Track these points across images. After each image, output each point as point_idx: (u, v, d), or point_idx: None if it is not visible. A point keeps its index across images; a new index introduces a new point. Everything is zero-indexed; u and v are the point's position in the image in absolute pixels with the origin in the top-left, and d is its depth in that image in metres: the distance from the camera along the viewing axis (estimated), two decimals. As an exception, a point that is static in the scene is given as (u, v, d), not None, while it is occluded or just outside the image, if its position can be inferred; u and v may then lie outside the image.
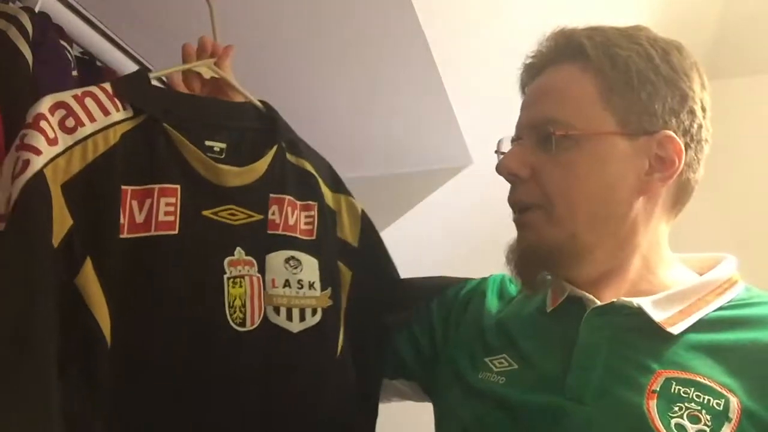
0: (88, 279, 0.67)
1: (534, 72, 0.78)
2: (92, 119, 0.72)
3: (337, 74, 1.36)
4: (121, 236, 0.71)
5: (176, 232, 0.74)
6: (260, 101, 0.88)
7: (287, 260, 0.82)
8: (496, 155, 0.80)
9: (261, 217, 0.81)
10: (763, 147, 2.18)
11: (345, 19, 1.17)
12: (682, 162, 0.72)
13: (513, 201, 0.77)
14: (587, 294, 0.73)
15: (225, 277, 0.76)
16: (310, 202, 0.87)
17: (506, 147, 0.79)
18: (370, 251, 0.93)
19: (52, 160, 0.67)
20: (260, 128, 0.86)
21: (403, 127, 1.60)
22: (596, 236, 0.72)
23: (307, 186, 0.88)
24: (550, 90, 0.76)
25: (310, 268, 0.84)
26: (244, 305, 0.77)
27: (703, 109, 0.74)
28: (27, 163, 0.66)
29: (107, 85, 0.75)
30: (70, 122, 0.70)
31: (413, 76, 1.36)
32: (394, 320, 0.91)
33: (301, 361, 0.81)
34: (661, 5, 1.70)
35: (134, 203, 0.72)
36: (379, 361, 0.90)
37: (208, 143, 0.80)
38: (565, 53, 0.75)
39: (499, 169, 0.76)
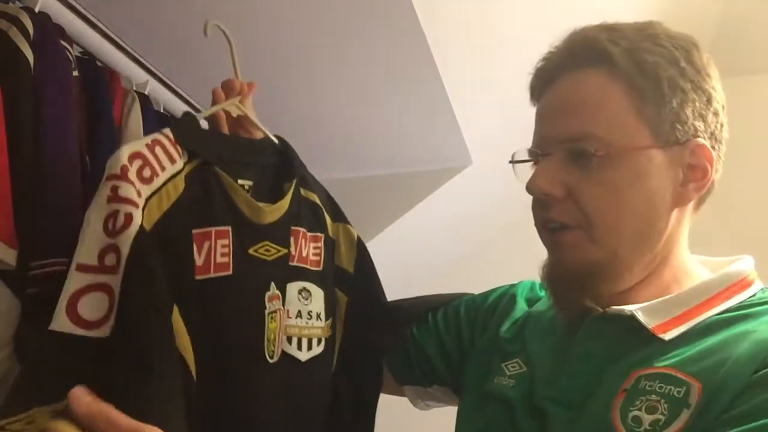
0: (177, 321, 0.70)
1: (548, 77, 0.74)
2: (163, 168, 0.74)
3: (337, 75, 1.35)
4: (196, 278, 0.75)
5: (230, 272, 0.77)
6: (275, 136, 0.92)
7: (300, 291, 0.86)
8: (512, 166, 0.77)
9: (286, 251, 0.85)
10: (764, 147, 2.18)
11: (345, 20, 1.17)
12: (713, 169, 0.69)
13: (547, 220, 0.73)
14: (588, 302, 0.72)
15: (266, 312, 0.80)
16: (318, 234, 0.91)
17: (521, 157, 0.76)
18: (365, 277, 0.96)
19: (142, 211, 0.70)
20: (278, 163, 0.90)
21: (403, 127, 1.60)
22: (637, 253, 0.70)
23: (315, 218, 0.91)
24: (577, 101, 0.70)
25: (317, 299, 0.88)
26: (275, 339, 0.81)
27: (723, 107, 0.72)
28: (130, 217, 0.68)
29: (169, 132, 0.77)
30: (146, 172, 0.72)
31: (413, 77, 1.36)
32: (386, 342, 0.94)
33: (307, 388, 0.85)
34: (661, 4, 1.70)
35: (197, 246, 0.76)
36: (375, 379, 0.93)
37: (240, 182, 0.83)
38: (587, 58, 0.71)
39: (531, 189, 0.72)
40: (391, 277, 1.90)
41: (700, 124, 0.69)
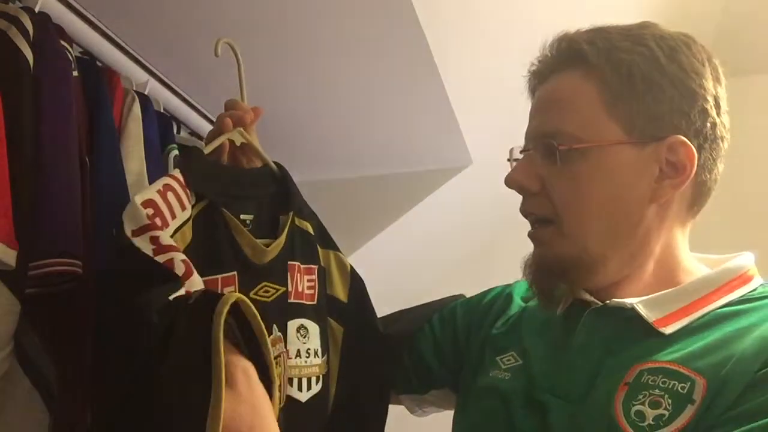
0: None
1: (540, 79, 0.77)
2: (174, 216, 0.73)
3: (337, 75, 1.35)
4: None
5: None
6: (275, 163, 0.90)
7: (298, 329, 0.84)
8: (509, 163, 0.79)
9: (284, 289, 0.83)
10: (764, 147, 2.18)
11: (345, 20, 1.17)
12: (695, 166, 0.69)
13: (524, 212, 0.76)
14: (589, 297, 0.73)
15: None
16: (311, 266, 0.89)
17: (517, 156, 0.78)
18: (359, 306, 0.93)
19: None
20: (276, 194, 0.88)
21: (403, 127, 1.60)
22: (608, 248, 0.71)
23: (309, 248, 0.89)
24: (553, 99, 0.74)
25: (314, 335, 0.86)
26: (281, 385, 0.78)
27: (717, 106, 0.71)
28: (186, 263, 0.67)
29: (179, 176, 0.76)
30: (158, 222, 0.70)
31: (413, 76, 1.36)
32: (389, 374, 0.92)
33: (307, 428, 0.82)
34: (661, 4, 1.70)
35: None
36: (379, 409, 0.90)
37: (242, 217, 0.82)
38: (567, 60, 0.73)
39: (508, 182, 0.75)
40: (392, 277, 1.91)
41: (680, 122, 0.69)
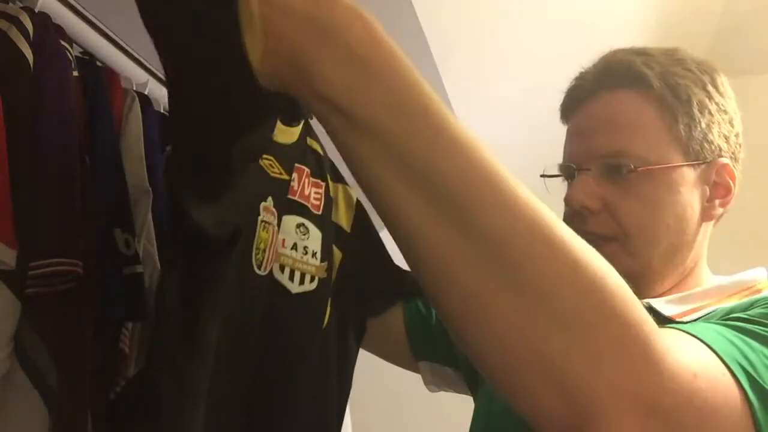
0: None
1: (581, 96, 0.78)
2: None
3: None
4: None
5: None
6: None
7: (298, 226, 0.84)
8: (543, 180, 0.82)
9: (287, 178, 0.82)
10: (764, 147, 2.18)
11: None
12: (736, 185, 0.75)
13: (581, 232, 0.77)
14: None
15: (259, 219, 0.77)
16: (320, 181, 0.89)
17: (551, 172, 0.81)
18: (362, 237, 0.94)
19: None
20: (285, 103, 0.87)
21: (403, 127, 1.60)
22: (670, 264, 0.75)
23: (319, 166, 0.90)
24: (613, 119, 0.75)
25: (315, 238, 0.86)
26: (264, 250, 0.78)
27: (740, 125, 0.78)
28: None
29: None
30: None
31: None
32: (374, 306, 0.93)
33: (293, 323, 0.82)
34: (662, 4, 1.70)
35: None
36: (356, 344, 0.91)
37: None
38: (622, 80, 0.75)
39: (570, 201, 0.76)
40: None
41: (724, 144, 0.75)
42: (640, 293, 0.72)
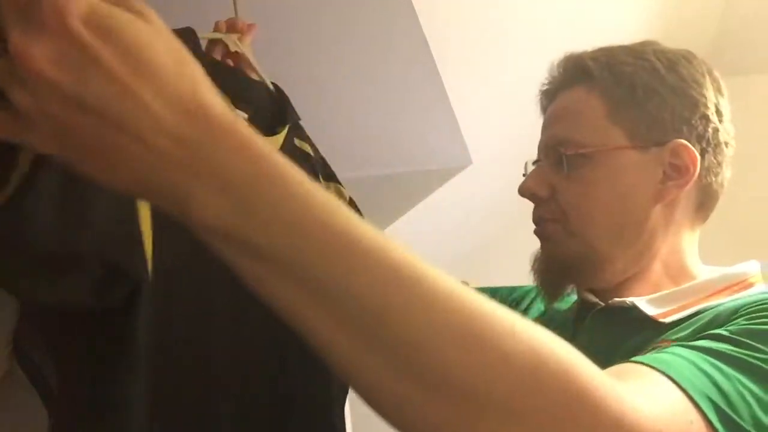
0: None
1: (549, 98, 0.82)
2: None
3: (336, 74, 1.36)
4: None
5: None
6: (272, 83, 0.89)
7: None
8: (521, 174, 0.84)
9: None
10: (764, 147, 2.18)
11: (345, 20, 1.17)
12: (698, 168, 0.73)
13: (535, 218, 0.80)
14: (593, 298, 0.76)
15: None
16: None
17: (531, 167, 0.83)
18: None
19: None
20: (271, 107, 0.87)
21: (403, 127, 1.60)
22: (614, 245, 0.74)
23: (309, 166, 0.89)
24: (561, 113, 0.79)
25: None
26: None
27: (719, 113, 0.76)
28: None
29: None
30: None
31: (413, 76, 1.36)
32: None
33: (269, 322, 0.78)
34: (663, 4, 1.70)
35: None
36: None
37: (237, 113, 0.80)
38: (573, 77, 0.79)
39: (521, 190, 0.79)
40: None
41: (682, 127, 0.74)
42: (592, 275, 0.75)
